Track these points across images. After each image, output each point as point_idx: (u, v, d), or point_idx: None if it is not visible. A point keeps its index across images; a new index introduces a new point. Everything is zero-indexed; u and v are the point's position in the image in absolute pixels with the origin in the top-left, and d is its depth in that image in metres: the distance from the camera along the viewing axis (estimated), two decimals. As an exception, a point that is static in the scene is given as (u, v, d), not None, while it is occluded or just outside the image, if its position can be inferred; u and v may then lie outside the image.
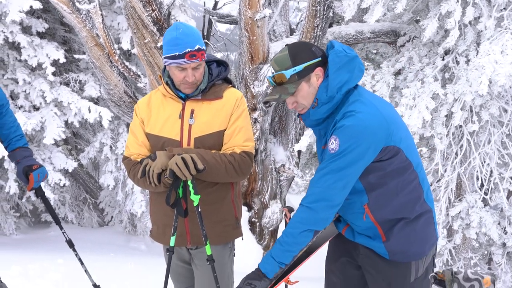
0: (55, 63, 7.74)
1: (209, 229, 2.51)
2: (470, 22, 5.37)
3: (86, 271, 3.49)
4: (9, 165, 7.60)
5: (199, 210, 2.42)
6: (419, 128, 5.32)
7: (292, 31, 8.65)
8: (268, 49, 6.44)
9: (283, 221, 5.21)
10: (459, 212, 5.96)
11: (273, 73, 2.26)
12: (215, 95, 2.56)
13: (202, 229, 2.45)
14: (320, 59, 2.21)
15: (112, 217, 9.95)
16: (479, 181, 5.85)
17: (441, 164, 5.79)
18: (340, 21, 10.19)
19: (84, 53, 7.29)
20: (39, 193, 3.30)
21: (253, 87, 6.48)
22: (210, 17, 12.61)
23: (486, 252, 6.63)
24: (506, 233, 6.04)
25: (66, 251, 3.77)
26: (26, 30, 7.85)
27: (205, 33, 13.87)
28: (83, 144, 9.79)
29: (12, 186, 7.72)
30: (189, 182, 2.36)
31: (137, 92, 7.51)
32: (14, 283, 3.83)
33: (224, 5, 14.79)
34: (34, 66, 7.56)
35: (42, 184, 4.09)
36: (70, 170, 8.34)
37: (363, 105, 2.13)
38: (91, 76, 8.35)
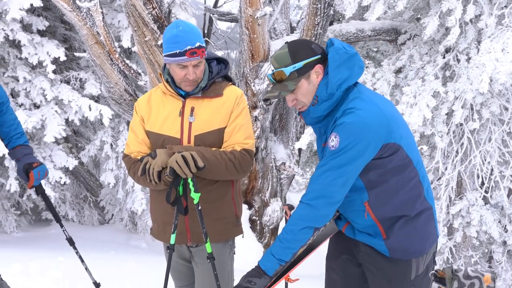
0: (55, 61, 7.74)
1: (209, 227, 2.51)
2: (471, 20, 5.36)
3: (86, 269, 3.49)
4: (10, 163, 7.61)
5: (199, 208, 2.42)
6: (419, 126, 5.32)
7: (292, 29, 8.64)
8: (268, 47, 6.44)
9: (284, 219, 5.22)
10: (460, 210, 5.96)
11: (272, 70, 2.26)
12: (215, 93, 2.55)
13: (202, 227, 2.44)
14: (319, 56, 2.21)
15: (112, 215, 9.96)
16: (480, 179, 5.85)
17: (442, 162, 5.79)
18: (340, 19, 10.18)
19: (84, 51, 7.29)
20: (40, 191, 3.30)
21: (253, 85, 6.47)
22: (211, 15, 12.59)
23: (486, 250, 6.64)
24: (506, 231, 6.04)
25: (67, 249, 3.77)
26: (26, 28, 7.85)
27: (206, 31, 13.84)
28: (83, 142, 9.79)
29: (12, 184, 7.73)
30: (189, 180, 2.36)
31: (138, 90, 7.51)
32: (14, 281, 3.84)
33: (224, 3, 14.75)
34: (34, 64, 7.55)
35: (43, 182, 4.09)
36: (70, 168, 8.34)
37: (363, 102, 2.13)
38: (92, 74, 8.35)
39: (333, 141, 2.11)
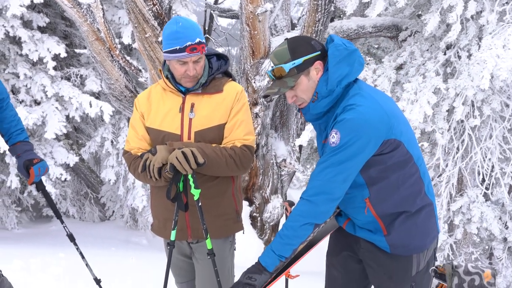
0: (56, 57, 7.74)
1: (209, 223, 2.51)
2: (472, 16, 5.35)
3: (87, 265, 3.50)
4: (11, 160, 7.62)
5: (200, 204, 2.42)
6: (420, 122, 5.31)
7: (293, 26, 8.63)
8: (269, 43, 6.43)
9: (284, 215, 5.22)
10: (460, 207, 5.96)
11: (272, 67, 2.25)
12: (215, 89, 2.55)
13: (202, 223, 2.44)
14: (319, 52, 2.21)
15: (113, 211, 9.97)
16: (480, 176, 5.84)
17: (443, 159, 5.79)
18: (341, 15, 10.15)
19: (85, 48, 7.29)
20: (40, 187, 3.30)
21: (254, 82, 6.47)
22: (211, 11, 12.56)
23: (487, 247, 6.63)
24: (507, 228, 6.04)
25: (68, 246, 3.78)
26: (27, 24, 7.84)
27: (206, 28, 13.83)
28: (84, 138, 9.80)
29: (13, 181, 7.74)
30: (189, 176, 2.36)
31: (138, 86, 7.51)
32: (15, 277, 3.84)
33: (225, -1, 14.73)
34: (35, 60, 7.56)
35: (43, 178, 4.09)
36: (71, 165, 8.36)
37: (363, 98, 2.13)
38: (92, 71, 8.35)
39: (334, 138, 2.10)
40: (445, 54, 5.62)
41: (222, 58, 2.66)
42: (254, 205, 7.02)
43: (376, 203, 2.25)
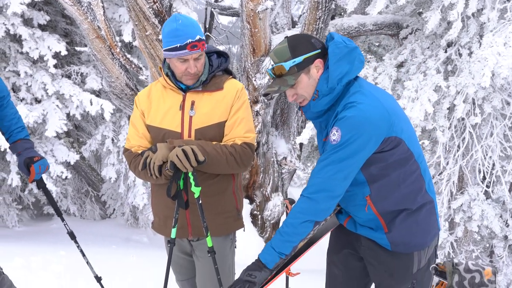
0: (56, 55, 7.74)
1: (210, 221, 2.50)
2: (473, 14, 5.34)
3: (88, 263, 3.50)
4: (11, 158, 7.62)
5: (200, 202, 2.41)
6: (421, 120, 5.31)
7: (294, 24, 8.63)
8: (270, 41, 6.42)
9: (285, 213, 5.22)
10: (461, 205, 5.96)
11: (272, 65, 2.25)
12: (215, 87, 2.54)
13: (203, 221, 2.44)
14: (319, 50, 2.20)
15: (114, 209, 9.98)
16: (481, 174, 5.84)
17: (443, 157, 5.78)
18: (342, 13, 10.14)
19: (85, 46, 7.29)
20: (41, 185, 3.30)
21: (255, 80, 6.46)
22: (212, 9, 12.56)
23: (487, 245, 6.64)
24: (508, 226, 6.04)
25: (68, 243, 3.78)
26: (27, 22, 7.84)
27: (207, 26, 13.83)
28: (85, 136, 9.80)
29: (14, 179, 7.74)
30: (190, 174, 2.36)
31: (139, 84, 7.50)
32: (16, 275, 3.84)
33: (226, -3, 14.73)
34: (35, 58, 7.56)
35: (44, 176, 4.09)
36: (72, 163, 8.36)
37: (364, 96, 2.12)
38: (93, 69, 8.35)
39: (335, 135, 2.10)
40: (446, 52, 5.62)
41: (222, 55, 2.65)
42: (254, 203, 7.02)
43: (377, 201, 2.25)
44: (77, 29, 8.80)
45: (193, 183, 2.37)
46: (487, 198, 5.94)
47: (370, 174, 2.20)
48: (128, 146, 2.63)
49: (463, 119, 5.71)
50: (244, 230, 2.82)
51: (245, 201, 6.88)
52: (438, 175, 6.03)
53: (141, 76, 6.86)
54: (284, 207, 6.97)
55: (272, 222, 7.16)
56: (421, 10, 6.65)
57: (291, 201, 2.89)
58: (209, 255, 2.50)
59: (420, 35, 6.05)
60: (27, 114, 7.28)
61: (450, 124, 5.65)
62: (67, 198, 9.53)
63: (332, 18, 7.36)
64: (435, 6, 5.36)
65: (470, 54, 5.37)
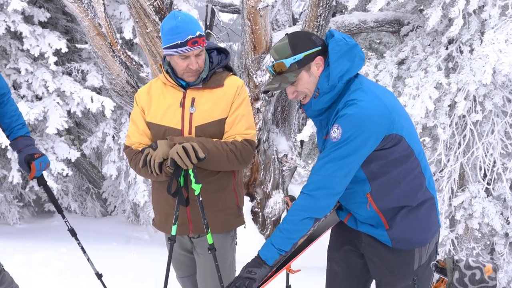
0: (57, 52, 7.73)
1: (210, 217, 2.51)
2: (474, 11, 5.32)
3: (88, 260, 3.50)
4: (12, 155, 7.62)
5: (200, 199, 2.41)
6: (422, 118, 5.30)
7: (295, 21, 8.61)
8: (270, 38, 6.41)
9: (285, 210, 5.22)
10: (462, 202, 5.95)
11: (272, 62, 2.25)
12: (216, 83, 2.54)
13: (203, 218, 2.44)
14: (320, 48, 2.20)
15: (115, 206, 9.97)
16: (482, 171, 5.83)
17: (444, 154, 5.77)
18: (343, 10, 10.11)
19: (86, 43, 7.27)
20: (41, 182, 3.30)
21: (255, 77, 6.46)
22: (213, 6, 12.54)
23: (488, 242, 6.63)
24: (508, 223, 6.03)
25: (69, 240, 3.78)
26: (28, 19, 7.83)
27: (208, 23, 13.81)
28: (85, 134, 9.79)
29: (15, 176, 7.74)
30: (190, 171, 2.36)
31: (140, 81, 7.49)
32: (17, 272, 3.85)
33: (226, -6, 14.68)
34: (36, 55, 7.54)
35: (45, 173, 4.09)
36: (73, 160, 8.35)
37: (365, 93, 2.12)
38: (94, 66, 8.33)
39: (335, 133, 2.10)
40: (447, 48, 5.60)
41: (223, 52, 2.65)
42: (255, 201, 7.02)
43: (377, 198, 2.25)
44: (77, 26, 8.78)
45: (193, 180, 2.37)
46: (488, 196, 5.93)
47: (370, 172, 2.20)
48: (129, 143, 2.63)
49: (464, 116, 5.69)
50: (245, 227, 2.82)
51: (246, 199, 6.88)
52: (439, 172, 6.02)
53: (142, 73, 6.85)
54: (284, 204, 6.97)
55: (273, 219, 7.16)
56: (422, 7, 6.63)
57: (292, 198, 2.89)
58: (210, 252, 2.50)
59: (421, 32, 6.04)
60: (28, 111, 7.27)
61: (451, 121, 5.64)
62: (68, 195, 9.53)
63: (333, 15, 7.36)
64: (436, 3, 5.34)
65: (471, 51, 5.36)
